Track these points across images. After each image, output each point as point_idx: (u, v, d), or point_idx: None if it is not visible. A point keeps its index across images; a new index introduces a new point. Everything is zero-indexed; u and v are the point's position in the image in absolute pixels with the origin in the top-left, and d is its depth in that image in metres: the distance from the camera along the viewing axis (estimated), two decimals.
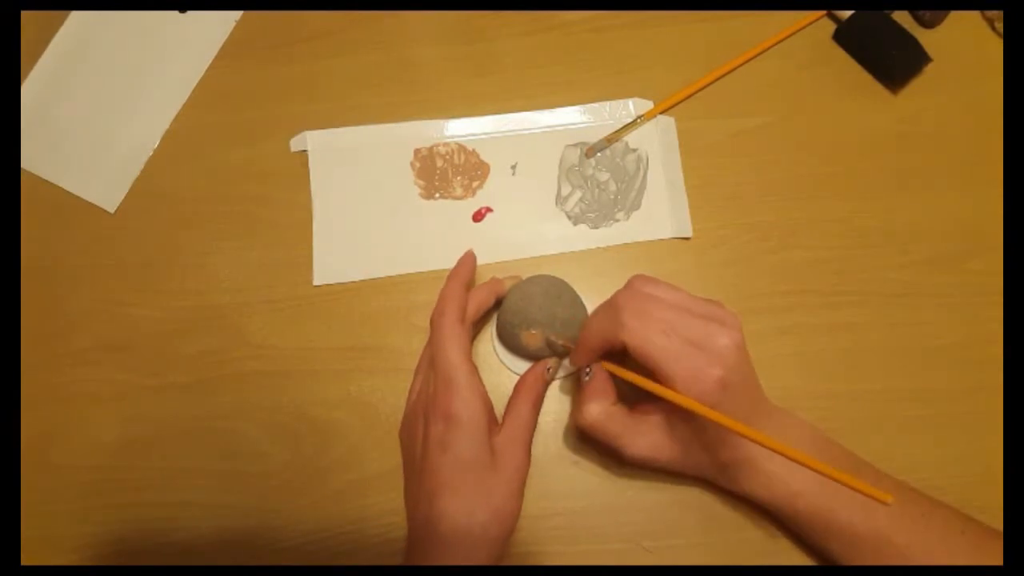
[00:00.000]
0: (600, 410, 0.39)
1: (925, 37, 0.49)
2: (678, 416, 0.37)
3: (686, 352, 0.35)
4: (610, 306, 0.38)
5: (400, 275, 0.47)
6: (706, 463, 0.39)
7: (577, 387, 0.43)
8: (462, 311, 0.41)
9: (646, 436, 0.38)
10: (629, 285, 0.38)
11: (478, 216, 0.48)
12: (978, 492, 0.42)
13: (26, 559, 0.42)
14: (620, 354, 0.37)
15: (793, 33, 0.51)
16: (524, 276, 0.44)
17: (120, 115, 0.51)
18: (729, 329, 0.36)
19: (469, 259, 0.44)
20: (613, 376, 0.39)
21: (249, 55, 0.52)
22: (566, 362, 0.44)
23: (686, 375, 0.34)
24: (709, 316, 0.36)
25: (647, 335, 0.35)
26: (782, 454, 0.33)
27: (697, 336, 0.35)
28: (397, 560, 0.41)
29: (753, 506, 0.41)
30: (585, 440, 0.42)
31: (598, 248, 0.47)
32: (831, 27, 0.51)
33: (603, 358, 0.39)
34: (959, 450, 0.43)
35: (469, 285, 0.43)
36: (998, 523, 0.41)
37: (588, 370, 0.40)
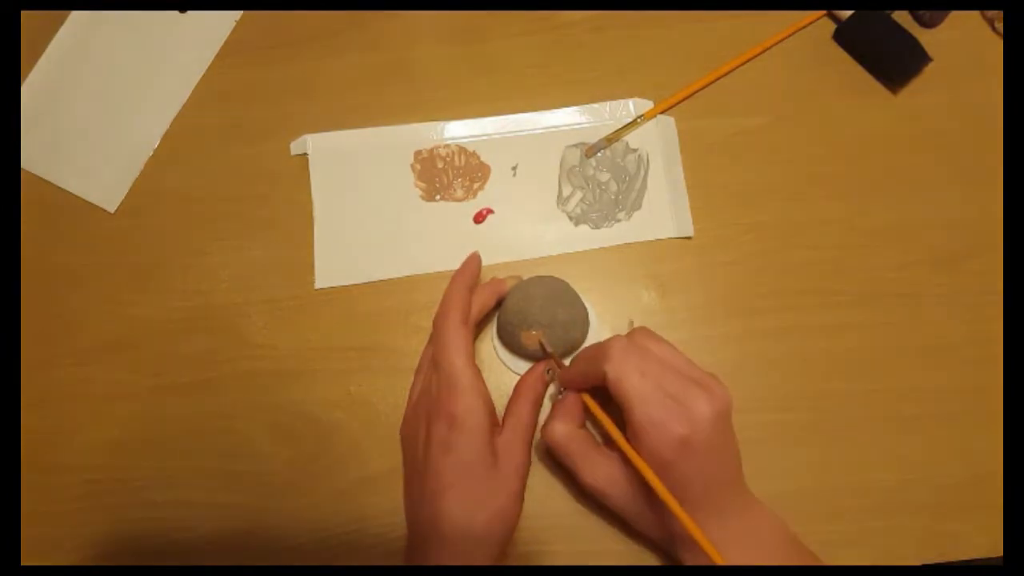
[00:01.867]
0: (565, 430, 0.39)
1: (925, 37, 0.50)
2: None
3: (659, 400, 0.35)
4: (605, 341, 0.38)
5: (401, 276, 0.47)
6: (656, 526, 0.38)
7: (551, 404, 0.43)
8: (465, 313, 0.41)
9: (604, 468, 0.38)
10: (630, 334, 0.39)
11: (479, 218, 0.48)
12: (978, 492, 0.42)
13: (26, 559, 0.42)
14: (605, 393, 0.37)
15: (793, 33, 0.51)
16: (525, 277, 0.44)
17: (120, 115, 0.51)
18: (712, 398, 0.35)
19: (474, 261, 0.44)
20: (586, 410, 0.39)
21: (249, 55, 0.52)
22: (566, 363, 0.44)
23: (650, 421, 0.34)
24: (697, 381, 0.36)
25: (627, 371, 0.35)
26: (700, 544, 0.33)
27: (676, 392, 0.35)
28: (397, 560, 0.41)
29: None
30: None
31: (600, 248, 0.47)
32: (831, 27, 0.51)
33: (590, 391, 0.39)
34: (959, 449, 0.43)
35: (473, 287, 0.43)
36: (997, 522, 0.41)
37: (562, 389, 0.40)
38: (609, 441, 0.39)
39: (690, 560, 0.37)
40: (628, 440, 0.36)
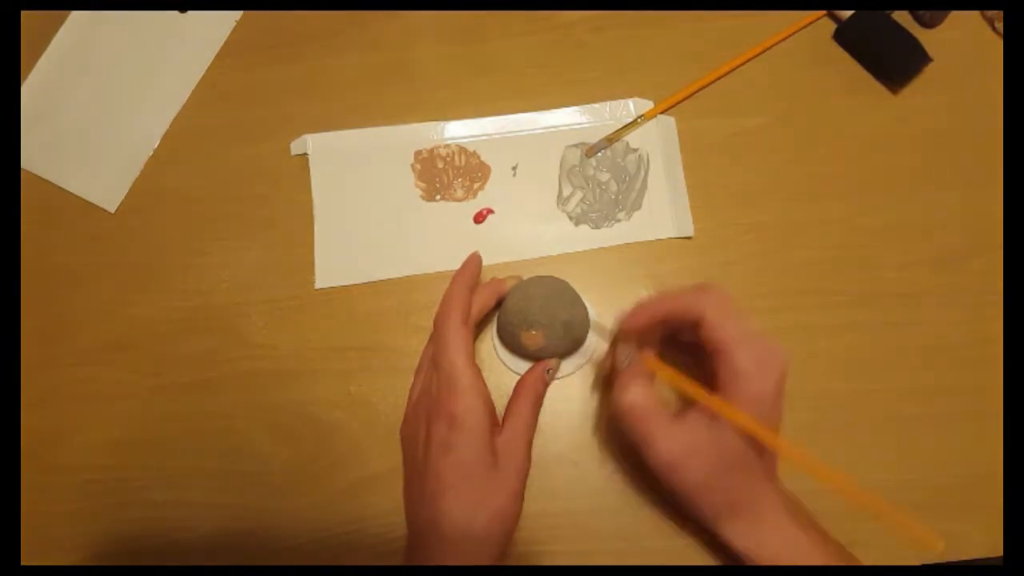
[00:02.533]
0: (644, 392, 0.35)
1: (925, 37, 0.49)
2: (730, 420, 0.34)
3: (757, 342, 0.35)
4: (690, 288, 0.37)
5: (401, 276, 0.47)
6: (727, 494, 0.35)
7: (602, 378, 0.43)
8: (466, 313, 0.41)
9: (686, 434, 0.35)
10: (703, 286, 0.37)
11: (479, 218, 0.48)
12: (978, 492, 0.42)
13: (26, 559, 0.42)
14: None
15: (793, 33, 0.51)
16: (525, 277, 0.44)
17: (120, 115, 0.51)
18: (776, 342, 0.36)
19: (474, 261, 0.44)
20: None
21: (249, 55, 0.52)
22: (566, 363, 0.44)
23: (756, 361, 0.34)
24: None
25: (727, 314, 0.35)
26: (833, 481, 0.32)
27: (759, 336, 0.35)
28: (397, 560, 0.41)
29: None
30: (585, 441, 0.42)
31: (600, 248, 0.47)
32: (831, 27, 0.51)
33: (648, 345, 0.38)
34: (959, 449, 0.43)
35: (473, 287, 0.43)
36: (997, 522, 0.41)
37: (627, 354, 0.38)
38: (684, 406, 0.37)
39: (750, 535, 0.36)
40: (718, 392, 0.35)
